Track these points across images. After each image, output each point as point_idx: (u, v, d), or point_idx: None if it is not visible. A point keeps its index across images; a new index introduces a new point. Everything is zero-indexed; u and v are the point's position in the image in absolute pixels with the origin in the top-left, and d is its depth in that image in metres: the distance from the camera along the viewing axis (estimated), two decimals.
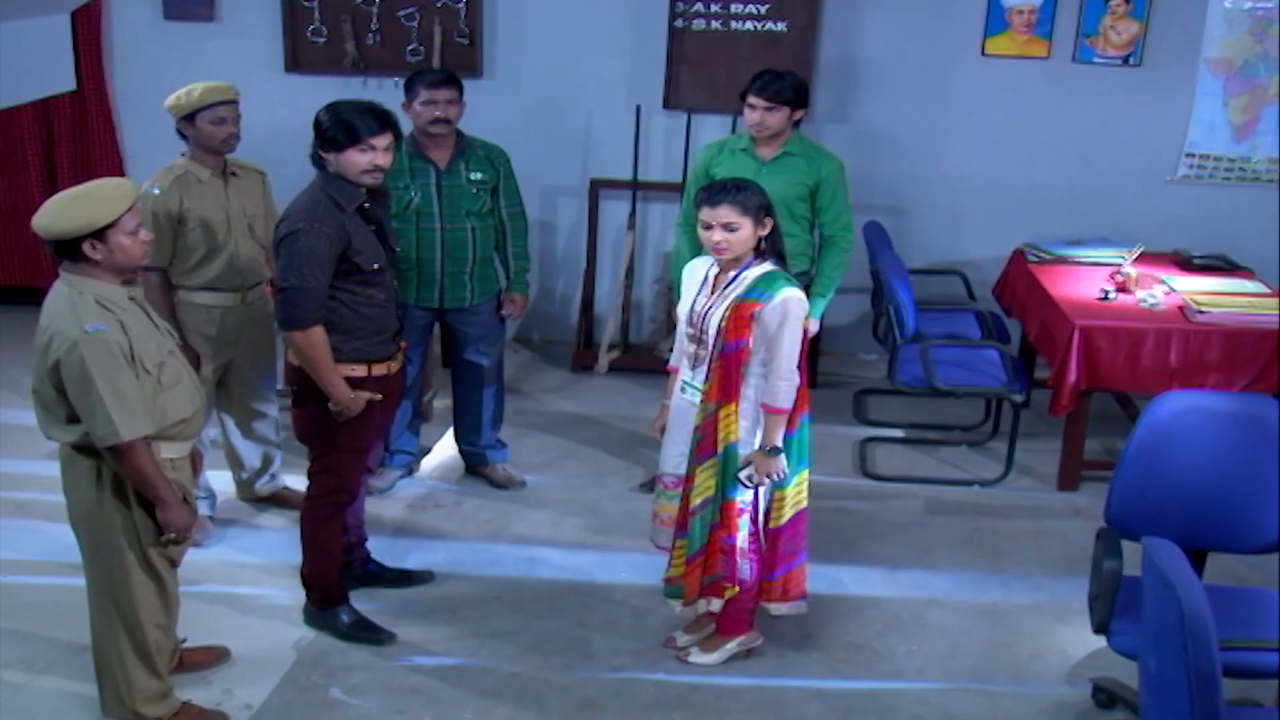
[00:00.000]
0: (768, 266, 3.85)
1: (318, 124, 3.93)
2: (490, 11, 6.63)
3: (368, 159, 3.90)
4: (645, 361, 6.63)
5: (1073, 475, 5.52)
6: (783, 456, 3.88)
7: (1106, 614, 3.55)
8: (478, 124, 5.17)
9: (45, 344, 3.31)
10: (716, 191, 3.80)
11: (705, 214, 3.81)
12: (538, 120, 6.72)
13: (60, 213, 3.28)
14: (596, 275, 6.92)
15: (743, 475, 3.89)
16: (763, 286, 3.80)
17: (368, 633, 4.25)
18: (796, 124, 5.07)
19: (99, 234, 3.29)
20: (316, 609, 4.29)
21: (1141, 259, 5.90)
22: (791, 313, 3.77)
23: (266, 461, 5.09)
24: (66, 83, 6.22)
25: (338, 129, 3.87)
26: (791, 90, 4.94)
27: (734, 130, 6.53)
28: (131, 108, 6.89)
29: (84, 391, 3.27)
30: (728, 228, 3.78)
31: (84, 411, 3.30)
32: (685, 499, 3.99)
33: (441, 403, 5.97)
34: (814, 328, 5.17)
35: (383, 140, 3.92)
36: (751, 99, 4.97)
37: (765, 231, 3.84)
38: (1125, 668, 3.77)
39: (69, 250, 3.31)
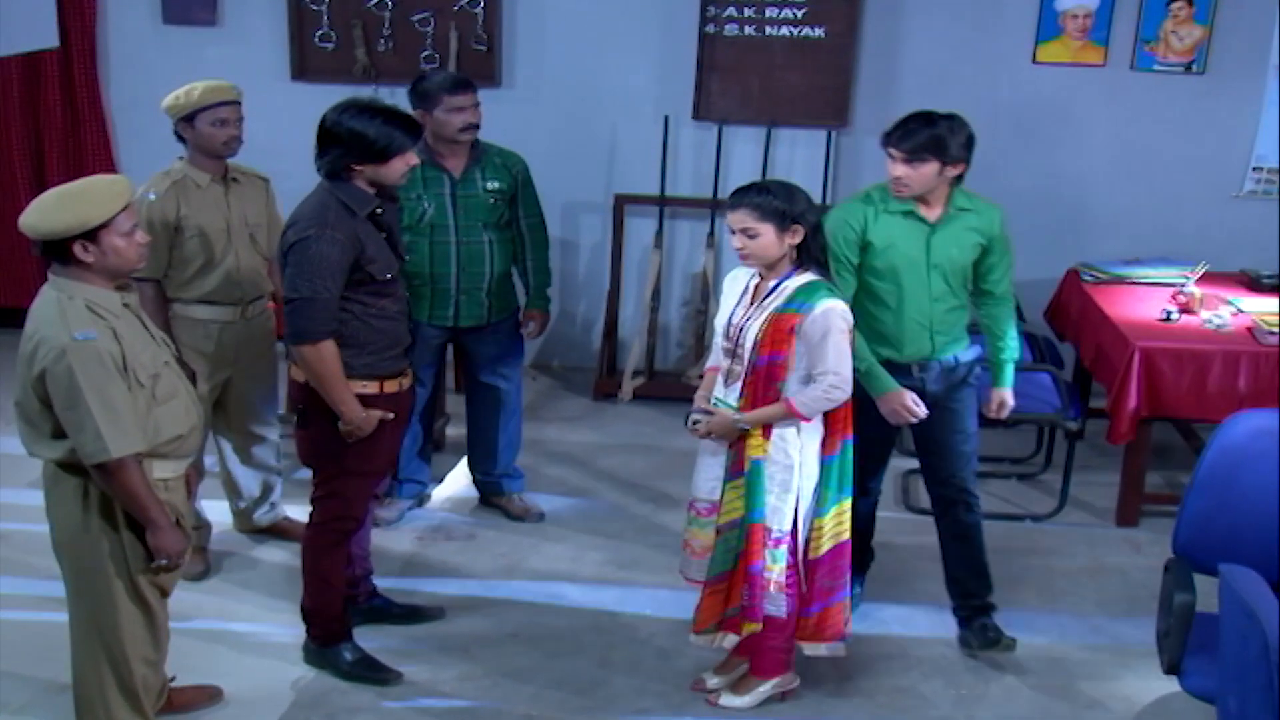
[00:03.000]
0: (809, 276, 3.81)
1: (341, 138, 3.84)
2: (510, 16, 6.63)
3: (407, 162, 3.93)
4: (671, 389, 6.56)
5: (1132, 509, 5.44)
6: (738, 432, 3.85)
7: (1178, 652, 3.47)
8: (495, 136, 5.12)
9: (31, 352, 3.26)
10: (738, 193, 3.81)
11: (728, 217, 3.81)
12: (559, 132, 6.69)
13: (50, 211, 3.24)
14: (621, 297, 6.88)
15: (693, 415, 3.93)
16: (802, 297, 3.77)
17: (372, 672, 4.19)
18: (958, 179, 4.28)
19: (91, 234, 3.24)
20: (317, 646, 4.23)
21: (1205, 279, 5.82)
22: (834, 325, 3.73)
23: (266, 490, 5.03)
24: (49, 39, 6.19)
25: (380, 142, 3.83)
26: (955, 145, 4.16)
27: (767, 143, 6.52)
28: (128, 118, 6.89)
29: (71, 404, 3.21)
30: (746, 233, 3.77)
31: (71, 426, 3.24)
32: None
33: (454, 430, 5.92)
34: (1011, 399, 4.55)
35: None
36: (890, 149, 4.19)
37: (795, 240, 3.79)
38: (1196, 713, 3.71)
39: (58, 252, 3.27)
